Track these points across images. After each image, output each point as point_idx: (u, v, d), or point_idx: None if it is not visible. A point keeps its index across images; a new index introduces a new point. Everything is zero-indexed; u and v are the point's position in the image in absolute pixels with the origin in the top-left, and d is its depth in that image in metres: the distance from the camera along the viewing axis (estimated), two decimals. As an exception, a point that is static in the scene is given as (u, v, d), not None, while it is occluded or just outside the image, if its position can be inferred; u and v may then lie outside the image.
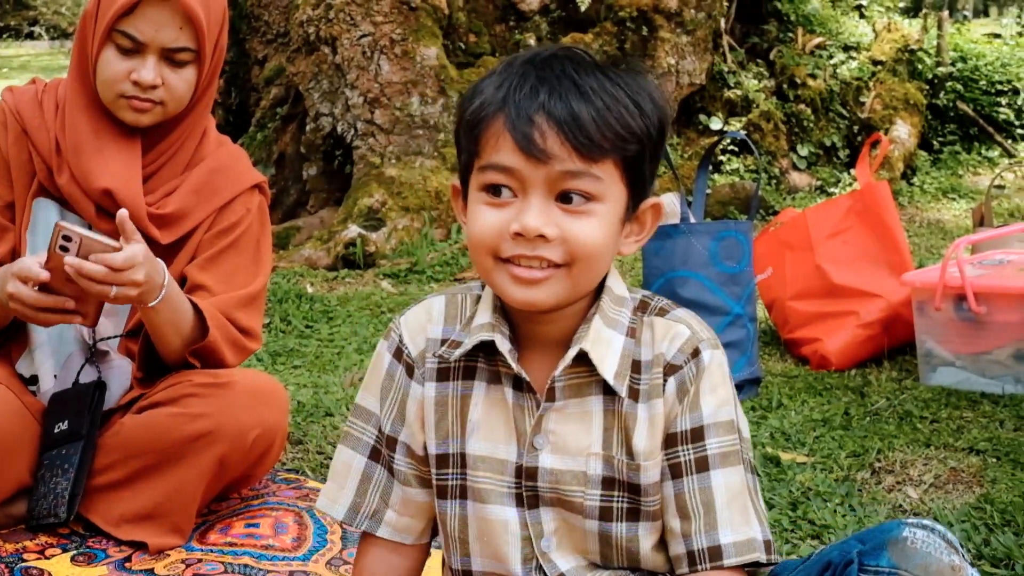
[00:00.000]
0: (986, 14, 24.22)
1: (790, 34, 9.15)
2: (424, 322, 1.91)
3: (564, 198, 1.70)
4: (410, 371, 1.90)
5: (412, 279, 6.38)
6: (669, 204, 4.16)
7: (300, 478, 3.28)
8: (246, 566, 2.68)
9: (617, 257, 1.84)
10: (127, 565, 2.70)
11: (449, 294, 1.93)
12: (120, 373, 2.97)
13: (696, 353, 1.79)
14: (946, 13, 9.81)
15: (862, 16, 9.88)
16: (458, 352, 1.84)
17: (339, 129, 7.52)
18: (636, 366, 1.80)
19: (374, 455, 1.94)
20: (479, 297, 1.88)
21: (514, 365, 1.80)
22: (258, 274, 3.02)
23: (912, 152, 8.71)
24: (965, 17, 15.69)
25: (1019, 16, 11.42)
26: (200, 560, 2.72)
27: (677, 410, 1.79)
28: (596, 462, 1.81)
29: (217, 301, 2.89)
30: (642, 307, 1.85)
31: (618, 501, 1.82)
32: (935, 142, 9.25)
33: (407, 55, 7.44)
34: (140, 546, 2.78)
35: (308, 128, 7.74)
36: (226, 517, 2.97)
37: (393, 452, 1.92)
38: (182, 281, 2.92)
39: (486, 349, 1.83)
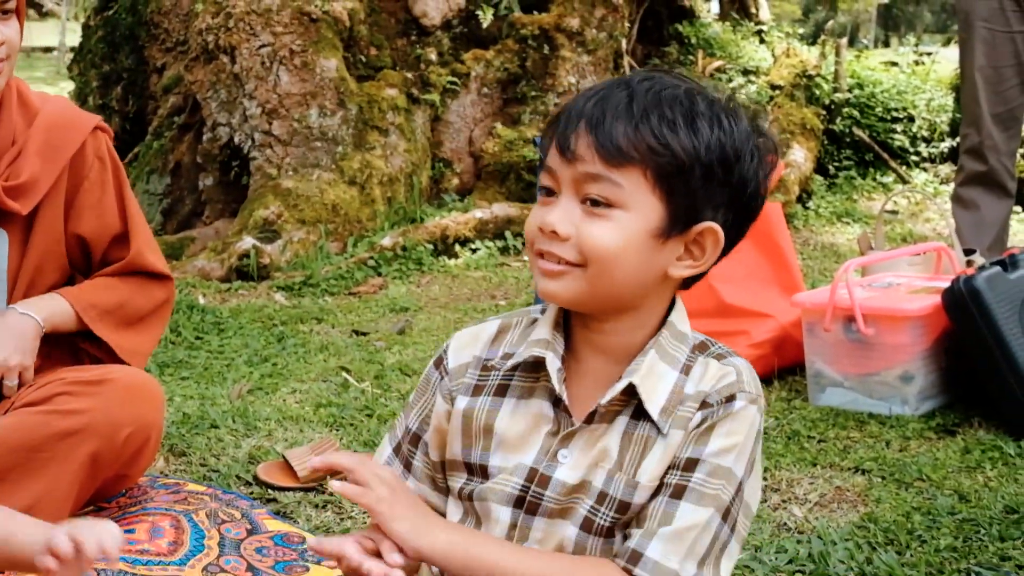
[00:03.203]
0: (887, 44, 24.61)
1: (691, 57, 9.22)
2: (473, 340, 1.98)
3: (592, 202, 1.75)
4: (442, 379, 1.97)
5: (306, 292, 6.32)
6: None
7: (179, 482, 3.22)
8: (121, 572, 2.62)
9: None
10: (-4, 575, 2.64)
11: (506, 317, 1.99)
12: None
13: (731, 399, 1.79)
14: (844, 40, 9.93)
15: (762, 41, 9.98)
16: (511, 362, 1.90)
17: (236, 139, 7.45)
18: (685, 400, 1.82)
19: (396, 449, 2.02)
20: (535, 320, 1.93)
21: (557, 385, 1.84)
22: (136, 211, 3.02)
23: (808, 176, 8.78)
24: (865, 46, 15.92)
25: (916, 45, 11.57)
26: (72, 570, 2.66)
27: (688, 440, 1.80)
28: (602, 475, 1.83)
29: (130, 261, 2.94)
30: (701, 348, 1.87)
31: (602, 517, 1.83)
32: (831, 167, 9.34)
33: (307, 66, 7.40)
34: (11, 556, 2.71)
35: (205, 138, 7.66)
36: (102, 527, 2.90)
37: (415, 448, 2.00)
38: (78, 239, 2.93)
39: (529, 367, 1.88)
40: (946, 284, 3.89)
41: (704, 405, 1.80)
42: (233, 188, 7.66)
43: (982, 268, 3.84)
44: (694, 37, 9.32)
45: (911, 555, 2.77)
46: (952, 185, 6.36)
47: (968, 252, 4.81)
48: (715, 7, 10.40)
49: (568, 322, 1.89)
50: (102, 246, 2.97)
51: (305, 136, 7.35)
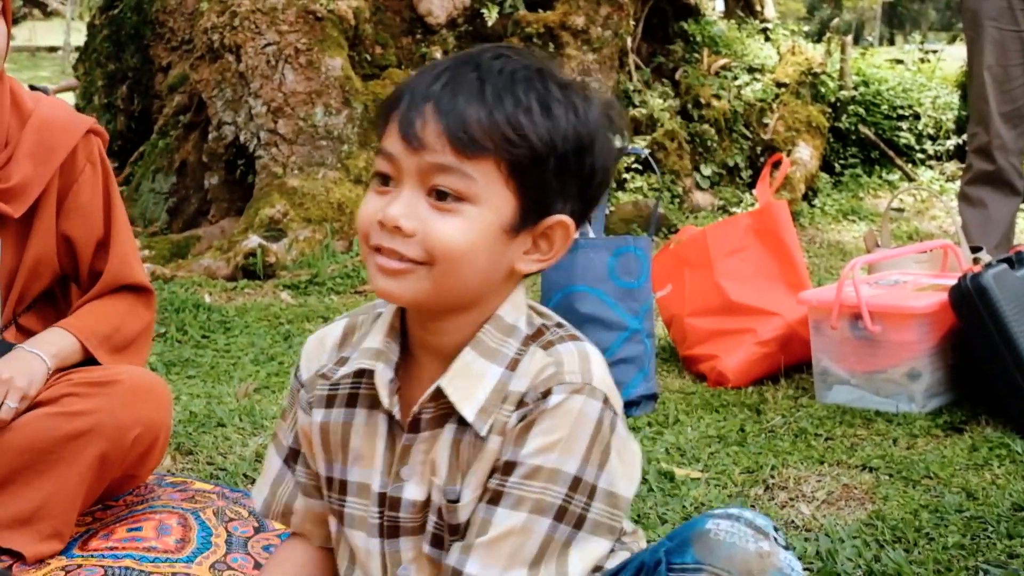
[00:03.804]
0: (891, 42, 24.58)
1: (696, 55, 9.21)
2: (320, 347, 1.89)
3: (438, 195, 1.63)
4: (299, 391, 1.91)
5: (312, 291, 6.32)
6: (568, 218, 4.14)
7: (187, 480, 3.22)
8: (127, 569, 2.62)
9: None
10: (6, 576, 2.64)
11: (352, 316, 1.90)
12: None
13: (547, 393, 1.67)
14: (850, 38, 9.92)
15: (767, 39, 9.97)
16: (341, 371, 1.82)
17: (242, 138, 7.45)
18: (506, 400, 1.71)
19: (287, 460, 1.96)
20: (380, 315, 1.83)
21: (385, 400, 1.75)
22: (121, 219, 3.01)
23: (814, 174, 8.78)
24: (870, 44, 15.91)
25: (921, 43, 11.57)
26: (80, 566, 2.65)
27: (507, 442, 1.69)
28: (437, 491, 1.75)
29: (112, 272, 2.94)
30: (535, 336, 1.75)
31: (446, 535, 1.77)
32: (837, 164, 9.34)
33: (312, 65, 7.40)
34: (20, 555, 2.71)
35: (211, 137, 7.66)
36: (109, 524, 2.89)
37: (294, 463, 1.94)
38: (66, 242, 2.92)
39: (368, 374, 1.79)
40: (953, 281, 3.88)
41: (521, 404, 1.69)
42: (239, 187, 7.66)
43: (989, 265, 3.83)
44: (699, 35, 9.31)
45: (919, 553, 2.77)
46: (958, 183, 6.37)
47: (975, 249, 4.81)
48: (720, 5, 10.38)
49: (405, 321, 1.79)
50: (88, 251, 2.94)
51: (311, 135, 7.35)
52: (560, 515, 1.67)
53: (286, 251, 6.79)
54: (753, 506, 3.08)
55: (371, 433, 1.80)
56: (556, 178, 1.66)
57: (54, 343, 2.84)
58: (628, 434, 1.77)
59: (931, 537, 2.85)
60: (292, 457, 1.95)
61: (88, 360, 2.90)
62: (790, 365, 4.34)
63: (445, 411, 1.74)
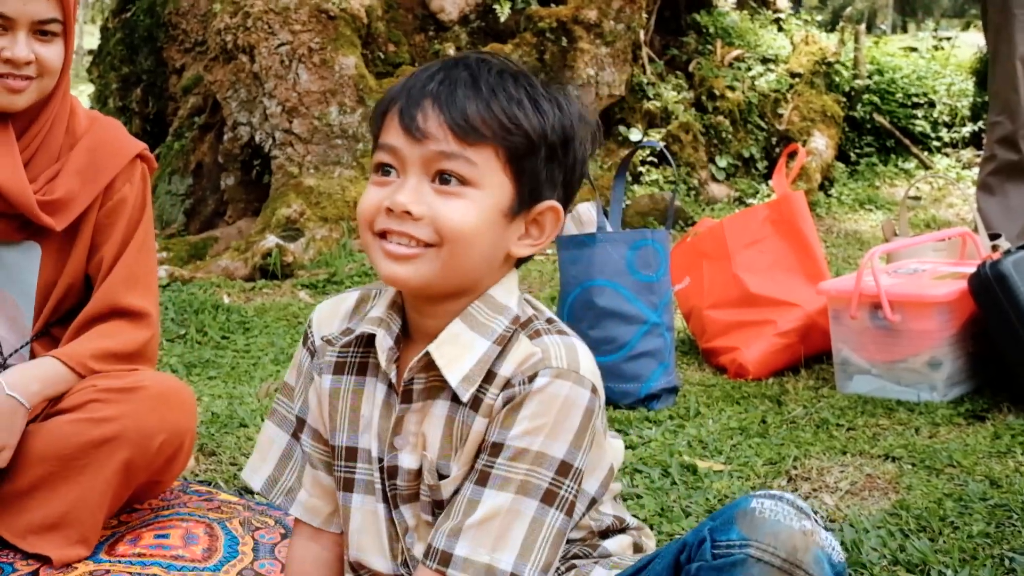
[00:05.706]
0: (904, 30, 24.50)
1: (709, 46, 9.20)
2: (331, 315, 1.98)
3: (441, 180, 1.74)
4: (312, 357, 1.98)
5: (330, 289, 6.33)
6: (586, 213, 4.14)
7: (212, 490, 3.22)
8: (155, 576, 2.63)
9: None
10: (33, 580, 2.65)
11: (364, 290, 1.99)
12: None
13: (533, 377, 1.75)
14: (863, 27, 9.90)
15: (780, 29, 9.96)
16: (345, 339, 1.91)
17: (257, 138, 7.46)
18: (490, 377, 1.79)
19: (295, 433, 2.03)
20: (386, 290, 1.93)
21: (383, 362, 1.85)
22: (138, 247, 2.97)
23: (829, 164, 8.77)
24: (883, 32, 15.85)
25: (935, 30, 11.53)
26: (108, 571, 2.66)
27: (494, 424, 1.77)
28: (429, 466, 1.84)
29: (103, 292, 2.89)
30: (525, 323, 1.84)
31: (435, 505, 1.85)
32: (852, 154, 9.32)
33: (326, 64, 7.40)
34: (47, 559, 2.72)
35: (226, 138, 7.67)
36: (136, 528, 2.90)
37: (301, 433, 2.01)
38: (98, 258, 2.91)
39: (368, 344, 1.89)
40: (972, 269, 3.87)
41: (507, 386, 1.77)
42: (255, 187, 7.68)
43: (1008, 252, 3.82)
44: (712, 27, 9.30)
45: (944, 542, 2.76)
46: (975, 170, 6.33)
47: (993, 237, 4.79)
48: (732, -4, 10.38)
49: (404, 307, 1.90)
50: (108, 267, 2.95)
51: (325, 134, 7.35)
52: (549, 499, 1.75)
53: (303, 250, 6.80)
54: (777, 498, 3.07)
55: (374, 401, 1.89)
56: (546, 166, 1.80)
57: (39, 379, 2.78)
58: (604, 429, 1.88)
59: (956, 526, 2.85)
60: (300, 428, 2.01)
61: None
62: (810, 356, 4.34)
63: (436, 383, 1.82)
